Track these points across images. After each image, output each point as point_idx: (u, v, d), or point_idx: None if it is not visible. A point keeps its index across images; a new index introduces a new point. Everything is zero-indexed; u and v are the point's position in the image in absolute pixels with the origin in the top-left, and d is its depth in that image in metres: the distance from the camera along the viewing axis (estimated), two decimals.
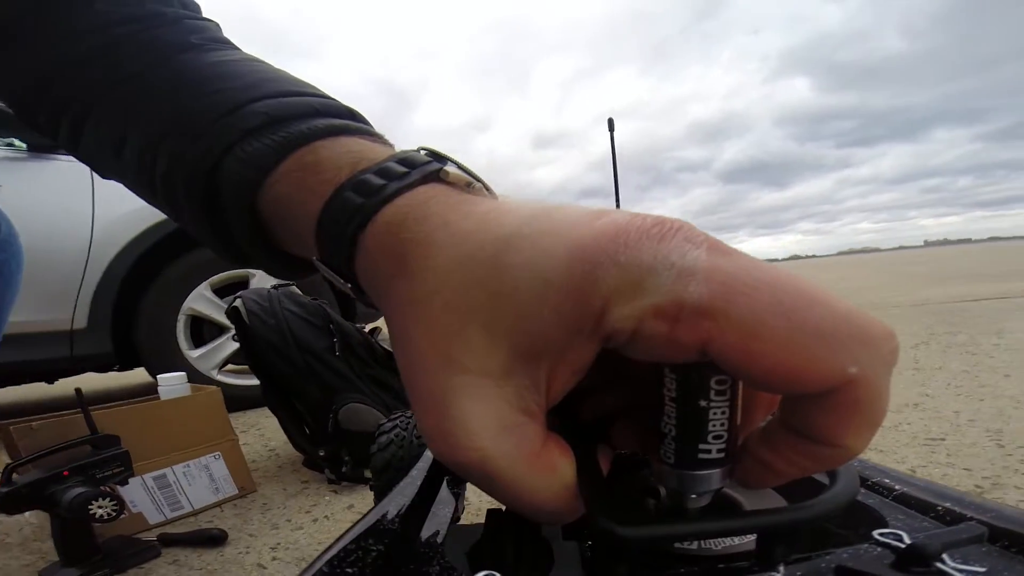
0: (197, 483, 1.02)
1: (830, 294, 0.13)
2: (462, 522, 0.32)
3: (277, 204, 0.22)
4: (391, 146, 0.23)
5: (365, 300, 0.20)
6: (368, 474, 1.08)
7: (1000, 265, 7.40)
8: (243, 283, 1.91)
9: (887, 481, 0.29)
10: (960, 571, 0.18)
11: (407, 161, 0.19)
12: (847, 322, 0.13)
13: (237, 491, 1.07)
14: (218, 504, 1.04)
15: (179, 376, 1.09)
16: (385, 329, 1.38)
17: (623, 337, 0.14)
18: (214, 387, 1.13)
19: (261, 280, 1.89)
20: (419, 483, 0.35)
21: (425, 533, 0.30)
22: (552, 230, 0.15)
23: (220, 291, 1.91)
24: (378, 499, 0.68)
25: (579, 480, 0.16)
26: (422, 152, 0.20)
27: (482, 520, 0.27)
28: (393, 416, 0.72)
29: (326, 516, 0.96)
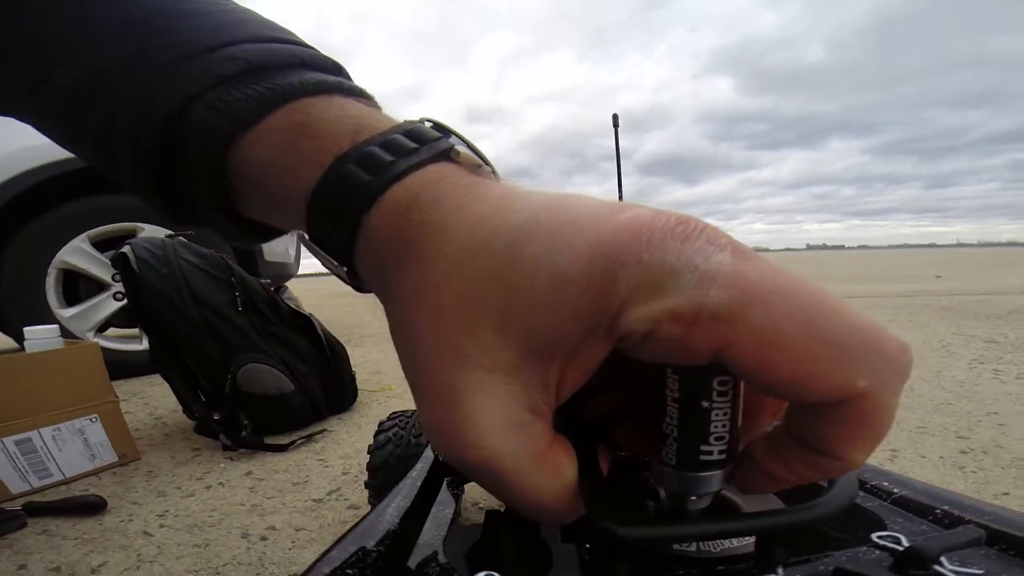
0: (69, 448, 0.92)
1: (847, 305, 0.13)
2: (461, 522, 0.33)
3: (254, 166, 0.19)
4: (381, 109, 0.21)
5: (359, 285, 0.19)
6: (267, 440, 1.04)
7: (862, 270, 8.63)
8: (129, 236, 1.73)
9: (886, 484, 0.29)
10: (958, 574, 0.18)
11: (415, 134, 0.18)
12: (864, 335, 0.12)
13: (117, 458, 0.98)
14: (95, 472, 0.95)
15: (50, 329, 0.97)
16: (291, 288, 1.30)
17: (636, 338, 0.14)
18: (91, 342, 1.02)
19: (151, 234, 1.72)
20: (419, 483, 0.35)
21: (425, 533, 0.30)
22: (571, 221, 0.15)
23: (101, 245, 1.72)
24: (374, 497, 0.70)
25: (580, 481, 0.16)
26: (427, 124, 0.19)
27: (481, 520, 0.27)
28: (392, 415, 0.73)
29: (221, 483, 0.90)
